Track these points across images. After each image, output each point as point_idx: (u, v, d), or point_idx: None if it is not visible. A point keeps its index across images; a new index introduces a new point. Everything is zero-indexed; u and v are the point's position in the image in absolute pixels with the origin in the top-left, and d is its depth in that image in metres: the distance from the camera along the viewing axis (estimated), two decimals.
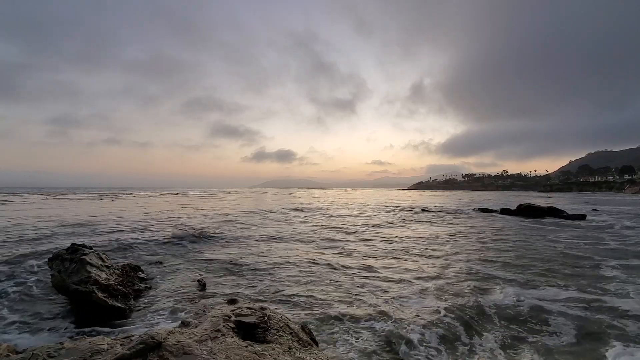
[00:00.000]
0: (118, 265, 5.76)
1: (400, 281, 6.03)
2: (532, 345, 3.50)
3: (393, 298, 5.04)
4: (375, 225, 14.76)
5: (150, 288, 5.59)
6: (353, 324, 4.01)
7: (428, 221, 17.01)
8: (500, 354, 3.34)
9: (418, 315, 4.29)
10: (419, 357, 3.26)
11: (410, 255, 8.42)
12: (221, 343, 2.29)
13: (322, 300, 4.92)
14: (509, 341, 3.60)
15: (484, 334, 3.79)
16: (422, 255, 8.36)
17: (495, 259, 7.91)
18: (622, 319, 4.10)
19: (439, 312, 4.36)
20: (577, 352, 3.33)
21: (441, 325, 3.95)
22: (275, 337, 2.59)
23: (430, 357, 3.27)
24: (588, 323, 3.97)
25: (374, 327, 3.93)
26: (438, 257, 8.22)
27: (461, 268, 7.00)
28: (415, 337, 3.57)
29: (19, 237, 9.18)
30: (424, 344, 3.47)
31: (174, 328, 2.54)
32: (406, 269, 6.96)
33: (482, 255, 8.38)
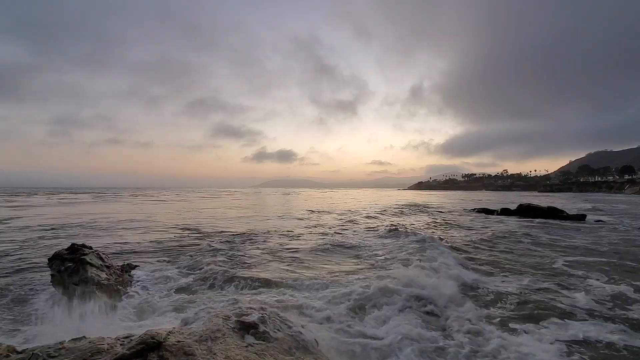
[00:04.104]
0: (118, 265, 5.77)
1: None
2: (491, 315, 4.51)
3: None
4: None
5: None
6: None
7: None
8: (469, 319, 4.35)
9: None
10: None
11: None
12: (221, 343, 2.29)
13: None
14: (477, 310, 4.64)
15: (466, 304, 4.83)
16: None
17: (486, 257, 8.00)
18: (569, 302, 4.92)
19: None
20: (521, 318, 4.38)
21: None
22: (276, 337, 2.59)
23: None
24: (537, 302, 4.93)
25: None
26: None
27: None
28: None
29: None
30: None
31: (174, 328, 2.53)
32: None
33: (476, 251, 8.43)
